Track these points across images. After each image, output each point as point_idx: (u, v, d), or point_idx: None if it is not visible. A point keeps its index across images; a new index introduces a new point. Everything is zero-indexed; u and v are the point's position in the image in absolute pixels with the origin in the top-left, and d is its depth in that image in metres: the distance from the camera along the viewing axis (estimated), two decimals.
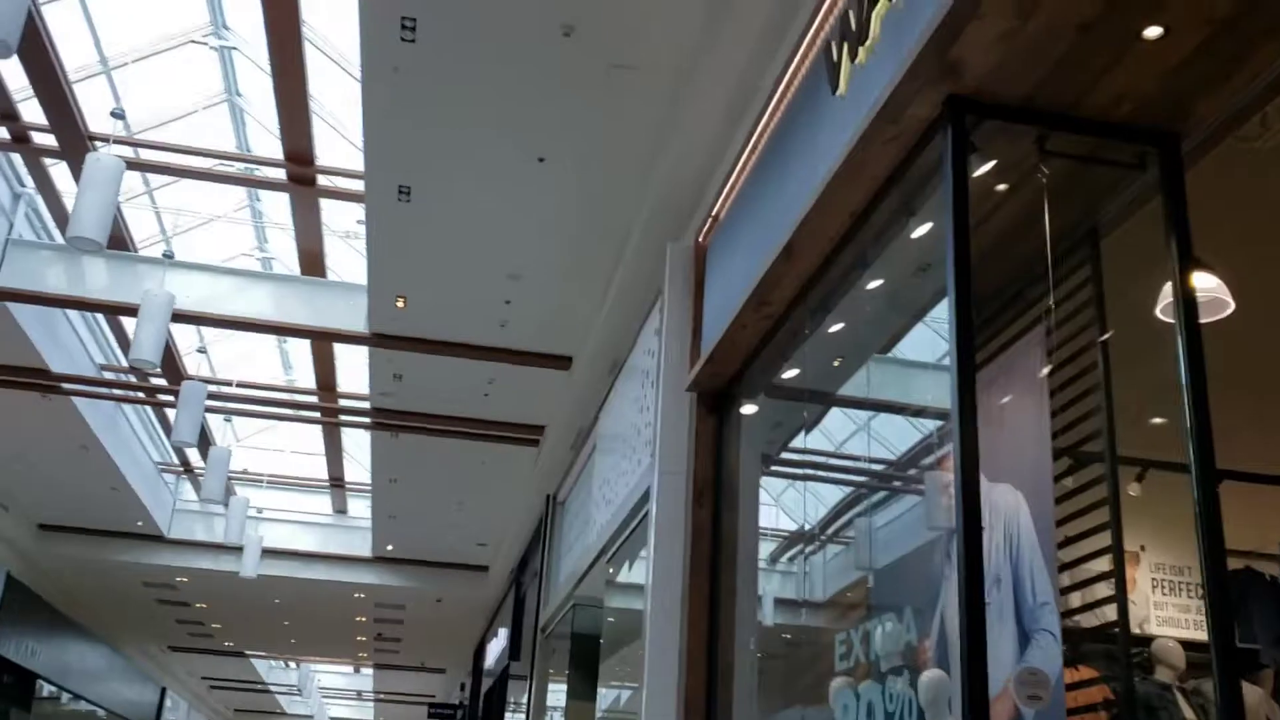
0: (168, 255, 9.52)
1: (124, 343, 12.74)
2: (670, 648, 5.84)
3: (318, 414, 13.30)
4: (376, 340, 9.87)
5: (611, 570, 7.69)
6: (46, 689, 20.90)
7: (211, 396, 11.37)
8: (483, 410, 11.40)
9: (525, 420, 11.56)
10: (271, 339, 14.46)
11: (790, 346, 5.37)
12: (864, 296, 4.66)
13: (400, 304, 9.24)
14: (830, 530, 5.53)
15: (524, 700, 13.81)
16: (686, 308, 6.38)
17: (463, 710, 22.63)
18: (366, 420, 12.14)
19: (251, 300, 9.82)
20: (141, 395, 13.05)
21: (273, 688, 33.27)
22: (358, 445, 16.38)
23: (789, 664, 5.74)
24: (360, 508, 17.56)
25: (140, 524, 16.32)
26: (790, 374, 5.49)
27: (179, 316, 9.43)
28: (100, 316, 12.08)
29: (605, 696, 7.83)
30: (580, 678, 8.94)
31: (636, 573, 7.09)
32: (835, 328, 4.95)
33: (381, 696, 33.84)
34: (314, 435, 16.20)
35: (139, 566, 17.34)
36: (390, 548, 16.98)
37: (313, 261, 10.44)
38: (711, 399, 6.12)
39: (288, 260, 11.06)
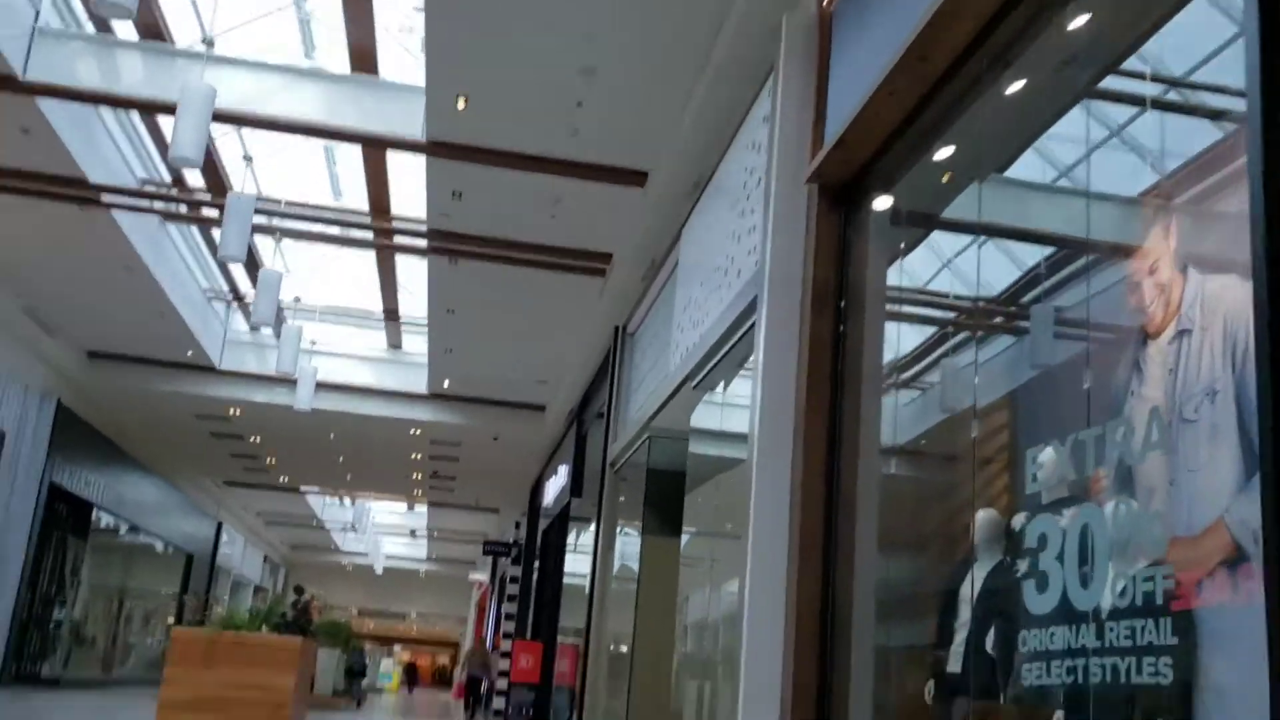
0: (208, 42, 8.58)
1: (165, 152, 11.97)
2: (780, 480, 5.08)
3: (371, 238, 12.51)
4: (434, 149, 8.97)
5: (701, 396, 6.92)
6: (105, 520, 21.04)
7: (259, 212, 10.60)
8: (548, 235, 10.54)
9: (593, 247, 10.70)
10: (321, 160, 13.62)
11: (946, 121, 4.41)
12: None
13: (461, 104, 8.29)
14: (971, 338, 4.68)
15: (586, 539, 13.38)
16: (808, 86, 5.41)
17: (518, 548, 22.53)
18: (423, 245, 11.35)
19: (299, 100, 8.93)
20: (185, 210, 12.30)
21: (328, 524, 33.68)
22: (413, 277, 15.67)
23: (919, 497, 4.97)
24: (416, 343, 16.97)
25: (190, 354, 15.86)
26: (943, 154, 4.54)
27: (220, 116, 8.56)
28: (140, 126, 11.27)
29: (690, 537, 7.15)
30: (657, 515, 8.30)
31: (732, 398, 6.32)
32: (1014, 87, 3.98)
33: (435, 534, 34.19)
34: (368, 265, 15.50)
35: (191, 398, 16.98)
36: (447, 384, 16.44)
37: (364, 58, 9.48)
38: (836, 192, 5.20)
39: (337, 60, 10.09)
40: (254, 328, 15.99)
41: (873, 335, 5.10)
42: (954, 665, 4.65)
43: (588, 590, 10.32)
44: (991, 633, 4.36)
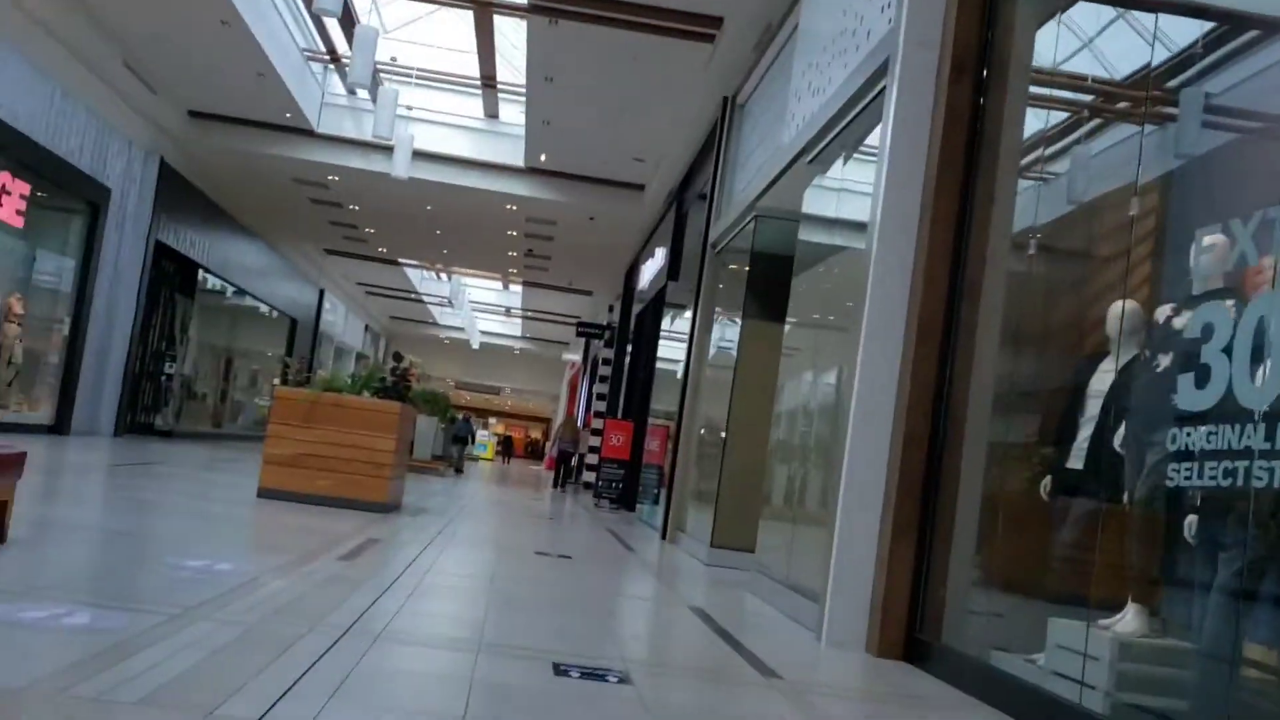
0: None
1: None
2: (902, 261, 4.73)
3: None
4: None
5: (815, 174, 6.49)
6: (211, 282, 21.57)
7: None
8: None
9: (703, 9, 10.05)
10: None
11: None
12: None
13: None
14: (1129, 115, 4.18)
15: (681, 325, 13.24)
16: None
17: (611, 331, 22.62)
18: (523, 2, 10.78)
19: None
20: None
21: (425, 298, 34.23)
22: (512, 42, 15.10)
23: (1050, 286, 4.59)
24: (514, 114, 16.54)
25: (289, 115, 15.69)
26: None
27: None
28: None
29: (794, 323, 6.86)
30: (759, 299, 8.03)
31: (848, 183, 5.90)
32: None
33: (530, 314, 34.58)
34: (466, 25, 14.92)
35: (290, 161, 16.92)
36: (544, 158, 16.09)
37: None
38: None
39: None
40: (350, 89, 15.67)
41: (1014, 110, 4.62)
42: (1075, 462, 4.39)
43: (682, 373, 10.22)
44: (1122, 430, 4.07)
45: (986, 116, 4.62)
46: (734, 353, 8.29)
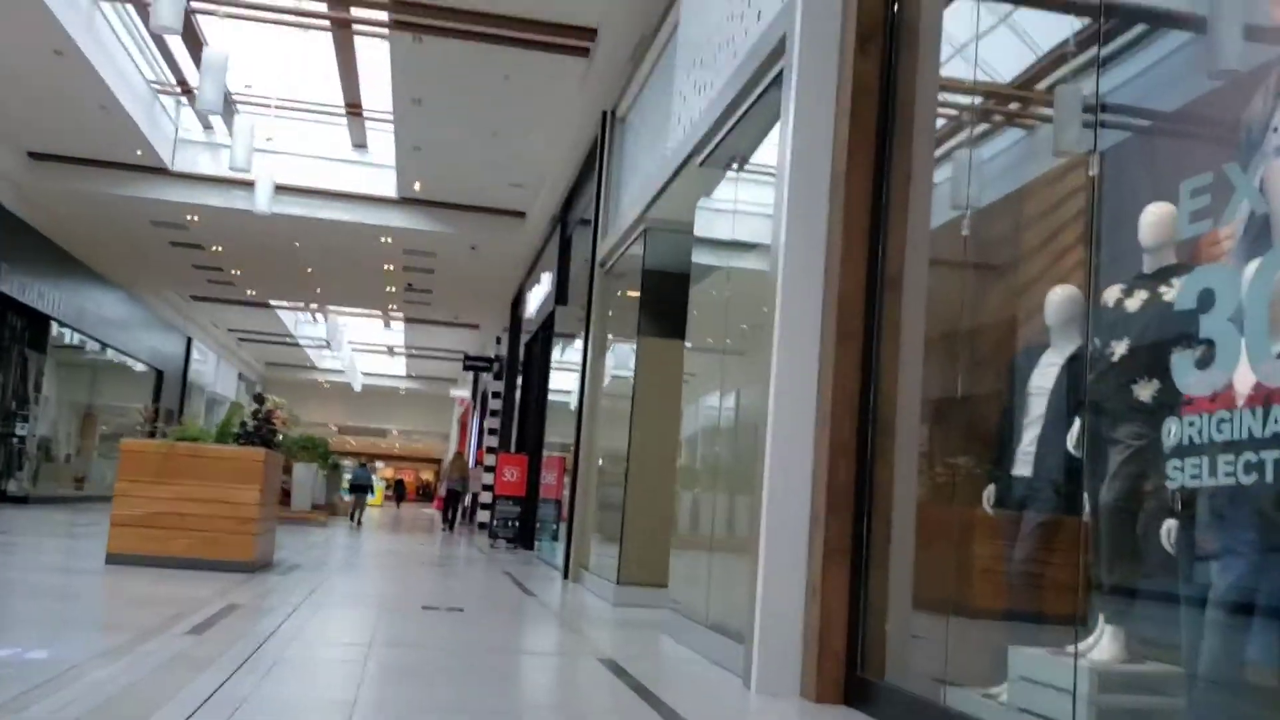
0: None
1: None
2: (814, 254, 4.25)
3: (326, 10, 11.22)
4: None
5: (708, 181, 6.00)
6: (71, 337, 20.20)
7: None
8: (522, 4, 9.37)
9: (576, 20, 9.55)
10: None
11: None
12: None
13: None
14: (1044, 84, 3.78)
15: (571, 354, 12.66)
16: None
17: (499, 363, 21.91)
18: (384, 18, 10.14)
19: None
20: None
21: (302, 341, 32.95)
22: (376, 69, 14.39)
23: (980, 272, 4.15)
24: (383, 144, 15.80)
25: (139, 153, 14.67)
26: None
27: None
28: None
29: (695, 335, 6.33)
30: (655, 315, 7.50)
31: (741, 204, 5.42)
32: None
33: (414, 352, 33.57)
34: (325, 51, 14.17)
35: (145, 202, 15.85)
36: (417, 186, 15.38)
37: None
38: None
39: None
40: (201, 117, 14.69)
41: (927, 83, 4.18)
42: (1022, 468, 3.93)
43: (576, 399, 9.62)
44: (1075, 428, 3.63)
45: (898, 91, 4.17)
46: (630, 376, 7.72)
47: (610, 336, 9.03)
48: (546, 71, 10.51)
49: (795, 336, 4.22)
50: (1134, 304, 3.44)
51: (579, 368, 10.32)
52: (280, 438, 8.13)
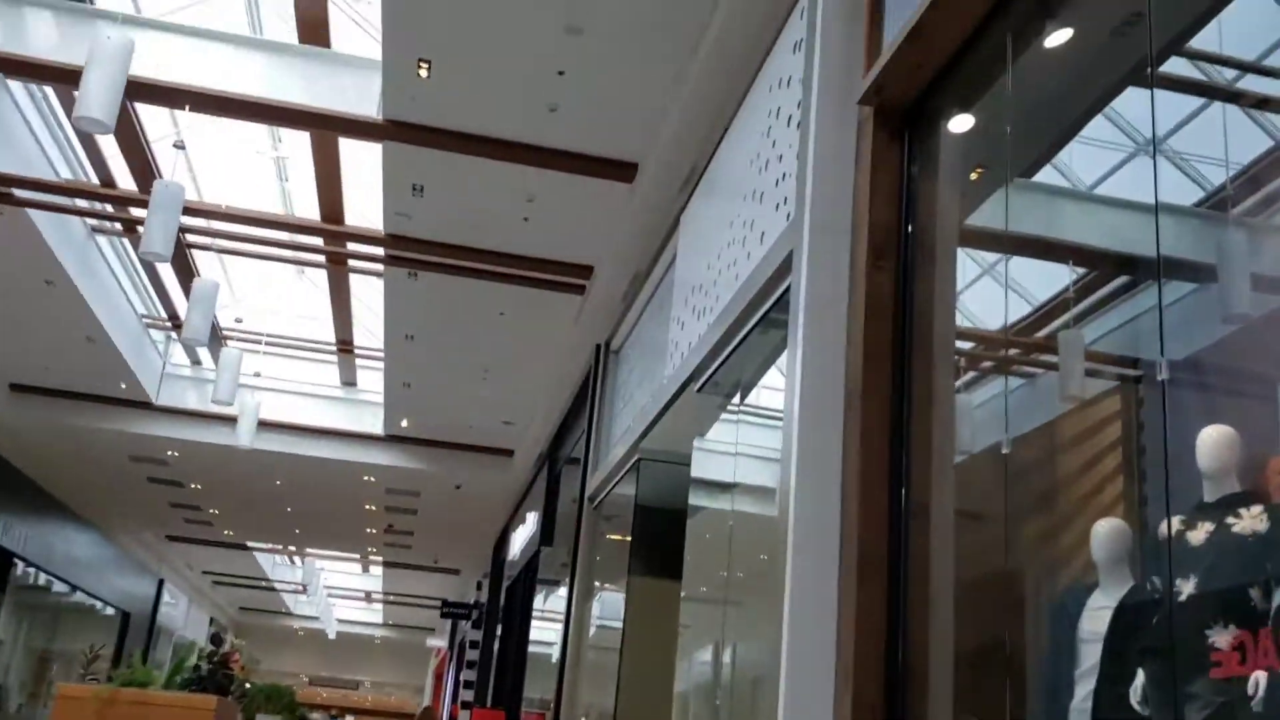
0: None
1: (93, 157, 10.74)
2: (828, 478, 3.87)
3: (322, 244, 11.27)
4: (392, 131, 7.82)
5: (706, 414, 5.71)
6: (36, 577, 19.42)
7: (190, 212, 9.38)
8: (521, 243, 9.37)
9: (571, 258, 9.55)
10: (269, 171, 12.46)
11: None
12: None
13: (423, 71, 7.15)
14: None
15: (555, 603, 12.03)
16: None
17: (479, 611, 21.02)
18: (379, 253, 10.15)
19: (238, 72, 7.75)
20: (111, 211, 10.99)
21: (277, 585, 31.90)
22: (368, 307, 14.44)
23: (1016, 502, 3.77)
24: (372, 381, 15.68)
25: (124, 386, 14.47)
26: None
27: (141, 88, 7.40)
28: (62, 116, 10.05)
29: (692, 577, 5.83)
30: (647, 554, 7.03)
31: (749, 412, 5.13)
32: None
33: (392, 598, 32.45)
34: (319, 292, 14.26)
35: (125, 437, 15.52)
36: (405, 424, 15.12)
37: (314, 29, 8.35)
38: (897, 116, 4.07)
39: (283, 29, 8.96)
40: (188, 349, 14.56)
41: (945, 298, 3.94)
42: None
43: (559, 650, 8.97)
44: (1138, 681, 3.16)
45: (914, 305, 3.92)
46: (619, 625, 7.15)
47: (597, 584, 8.49)
48: (542, 307, 10.44)
49: (810, 580, 3.77)
50: (1198, 536, 3.04)
51: (562, 615, 9.72)
52: (236, 684, 7.44)
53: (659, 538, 7.00)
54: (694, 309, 5.96)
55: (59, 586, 21.01)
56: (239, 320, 13.18)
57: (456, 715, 21.02)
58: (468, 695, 19.52)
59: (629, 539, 7.40)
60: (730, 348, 5.17)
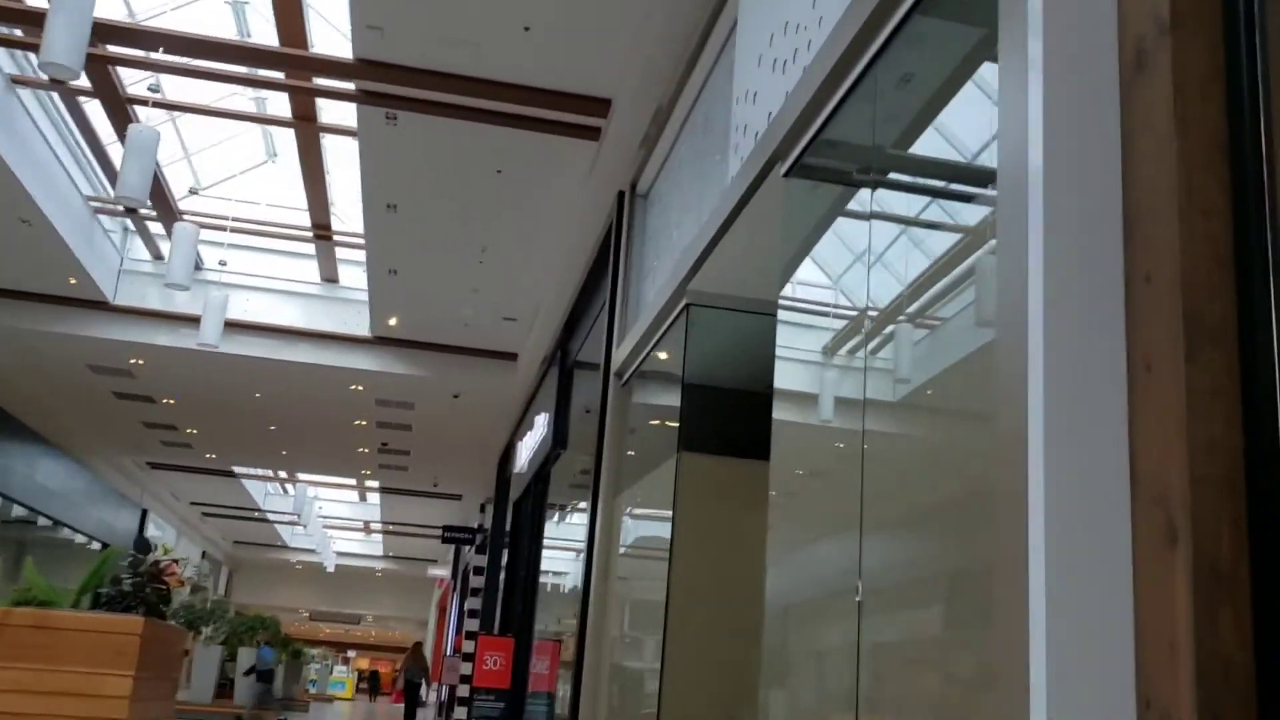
0: None
1: None
2: (1099, 190, 2.16)
3: (284, 84, 9.48)
4: None
5: (802, 194, 3.98)
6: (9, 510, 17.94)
7: (121, 36, 7.59)
8: (521, 68, 7.60)
9: (586, 90, 7.79)
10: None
11: None
12: None
13: None
14: None
15: (570, 519, 10.46)
16: None
17: (483, 534, 19.54)
18: (350, 88, 8.37)
19: None
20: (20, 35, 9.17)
21: (270, 516, 30.48)
22: (344, 193, 12.69)
23: None
24: (355, 277, 13.98)
25: (74, 282, 12.75)
26: None
27: None
28: None
29: (786, 449, 4.01)
30: (703, 426, 5.35)
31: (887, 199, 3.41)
32: None
33: (391, 528, 31.05)
34: (290, 174, 12.47)
35: (80, 343, 13.81)
36: (393, 323, 13.44)
37: None
38: None
39: None
40: (145, 236, 12.76)
41: None
42: None
43: (584, 562, 7.36)
44: None
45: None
46: (667, 521, 5.48)
47: (629, 501, 6.83)
48: (548, 160, 8.72)
49: (1076, 356, 2.08)
50: None
51: (581, 534, 8.14)
52: (176, 604, 5.82)
53: (717, 402, 5.35)
54: (774, 63, 4.22)
55: (40, 521, 19.55)
56: (194, 190, 11.40)
57: (460, 647, 19.64)
58: (473, 625, 18.10)
59: (675, 418, 5.69)
60: (844, 88, 3.43)
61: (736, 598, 4.77)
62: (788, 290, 4.01)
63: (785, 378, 3.86)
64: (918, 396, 2.83)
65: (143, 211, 12.51)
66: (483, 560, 18.68)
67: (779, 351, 3.91)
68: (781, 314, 3.95)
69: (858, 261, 3.28)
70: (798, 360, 3.81)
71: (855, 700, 2.80)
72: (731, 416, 5.35)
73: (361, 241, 11.90)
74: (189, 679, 14.94)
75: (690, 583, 5.08)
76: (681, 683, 4.97)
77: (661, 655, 4.99)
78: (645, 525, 6.22)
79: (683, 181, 6.20)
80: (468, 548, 22.10)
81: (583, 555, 7.95)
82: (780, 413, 3.81)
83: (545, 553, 11.53)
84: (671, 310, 5.63)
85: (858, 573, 2.89)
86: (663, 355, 6.16)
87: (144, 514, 25.52)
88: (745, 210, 4.56)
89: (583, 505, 9.29)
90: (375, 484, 24.53)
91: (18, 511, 19.03)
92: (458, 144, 8.72)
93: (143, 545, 5.58)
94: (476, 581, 18.93)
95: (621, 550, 6.84)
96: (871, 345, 3.13)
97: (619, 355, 7.01)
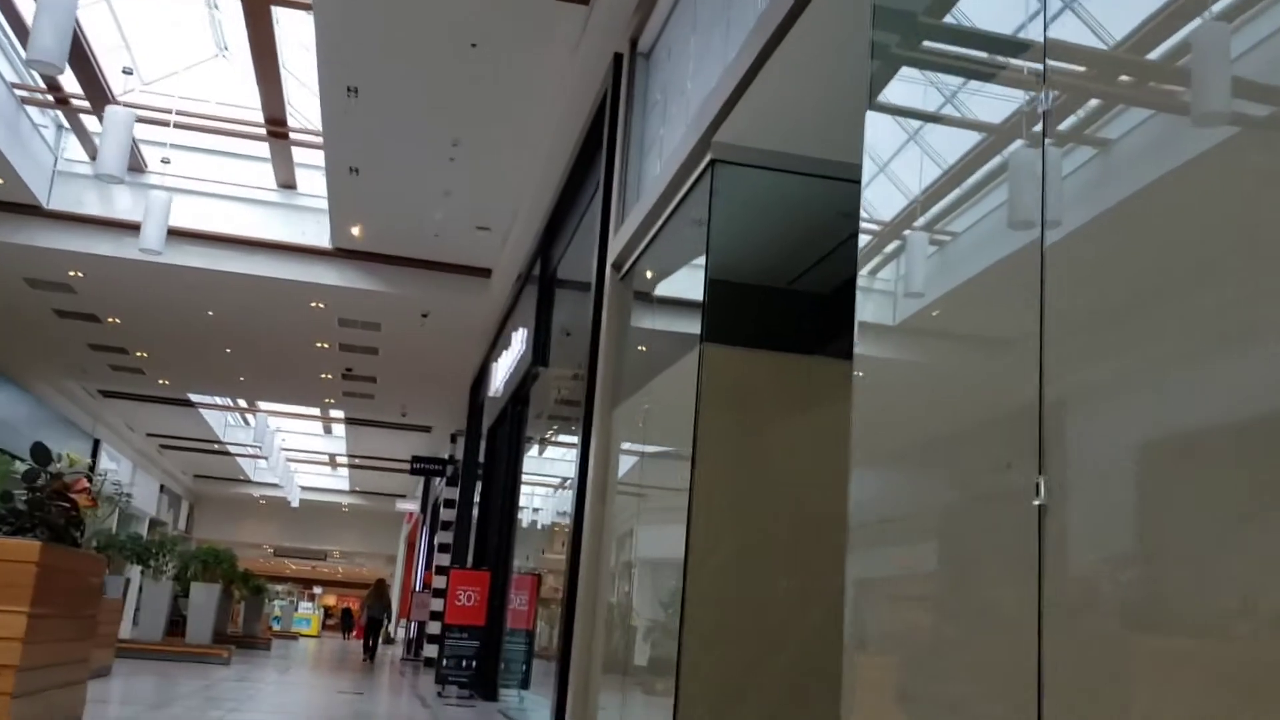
0: None
1: None
2: None
3: None
4: None
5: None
6: None
7: None
8: None
9: None
10: None
11: None
12: None
13: None
14: None
15: (548, 453, 9.51)
16: None
17: (454, 467, 18.59)
18: None
19: None
20: None
21: (231, 448, 29.35)
22: (301, 81, 11.49)
23: None
24: (314, 183, 12.81)
25: (1, 182, 11.51)
26: None
27: None
28: None
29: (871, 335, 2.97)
30: (731, 313, 4.35)
31: None
32: None
33: (357, 461, 30.01)
34: (238, 62, 11.24)
35: (13, 251, 12.57)
36: (356, 232, 12.32)
37: None
38: None
39: None
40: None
41: None
42: None
43: (576, 482, 6.38)
44: None
45: None
46: (688, 423, 4.49)
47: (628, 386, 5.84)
48: (529, 24, 7.60)
49: None
50: None
51: (570, 443, 7.22)
52: (88, 526, 4.79)
53: (748, 289, 4.36)
54: None
55: None
56: (128, 70, 10.16)
57: (430, 582, 18.79)
58: (444, 560, 17.22)
59: (703, 275, 4.69)
60: None
61: (782, 514, 3.82)
62: (873, 138, 2.98)
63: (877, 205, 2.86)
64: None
65: (74, 101, 11.26)
66: (454, 493, 17.77)
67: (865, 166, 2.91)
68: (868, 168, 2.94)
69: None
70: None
71: (1038, 635, 1.85)
72: (765, 302, 4.37)
73: (319, 140, 10.75)
74: (136, 616, 14.00)
75: (718, 500, 4.11)
76: (707, 624, 4.03)
77: (682, 590, 4.04)
78: (655, 438, 5.25)
79: (700, 23, 5.14)
80: (438, 480, 21.16)
81: (570, 478, 7.01)
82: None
83: (525, 479, 10.58)
84: (690, 172, 4.60)
85: (1038, 467, 1.92)
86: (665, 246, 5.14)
87: (96, 444, 24.35)
88: (792, 31, 3.54)
89: (566, 425, 8.38)
90: (340, 414, 23.46)
91: None
92: (426, 8, 7.58)
93: (41, 454, 4.53)
94: (448, 515, 18.04)
95: (623, 470, 5.89)
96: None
97: (616, 243, 5.98)
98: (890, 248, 2.74)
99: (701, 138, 4.32)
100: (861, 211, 2.88)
